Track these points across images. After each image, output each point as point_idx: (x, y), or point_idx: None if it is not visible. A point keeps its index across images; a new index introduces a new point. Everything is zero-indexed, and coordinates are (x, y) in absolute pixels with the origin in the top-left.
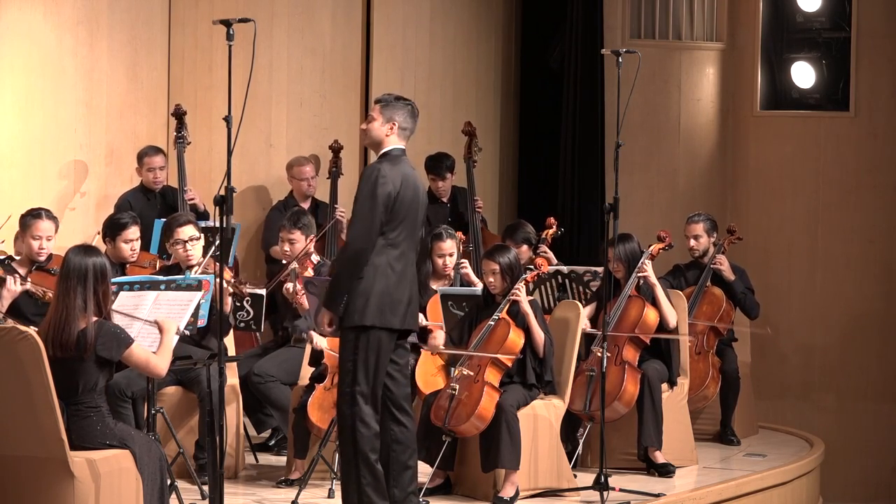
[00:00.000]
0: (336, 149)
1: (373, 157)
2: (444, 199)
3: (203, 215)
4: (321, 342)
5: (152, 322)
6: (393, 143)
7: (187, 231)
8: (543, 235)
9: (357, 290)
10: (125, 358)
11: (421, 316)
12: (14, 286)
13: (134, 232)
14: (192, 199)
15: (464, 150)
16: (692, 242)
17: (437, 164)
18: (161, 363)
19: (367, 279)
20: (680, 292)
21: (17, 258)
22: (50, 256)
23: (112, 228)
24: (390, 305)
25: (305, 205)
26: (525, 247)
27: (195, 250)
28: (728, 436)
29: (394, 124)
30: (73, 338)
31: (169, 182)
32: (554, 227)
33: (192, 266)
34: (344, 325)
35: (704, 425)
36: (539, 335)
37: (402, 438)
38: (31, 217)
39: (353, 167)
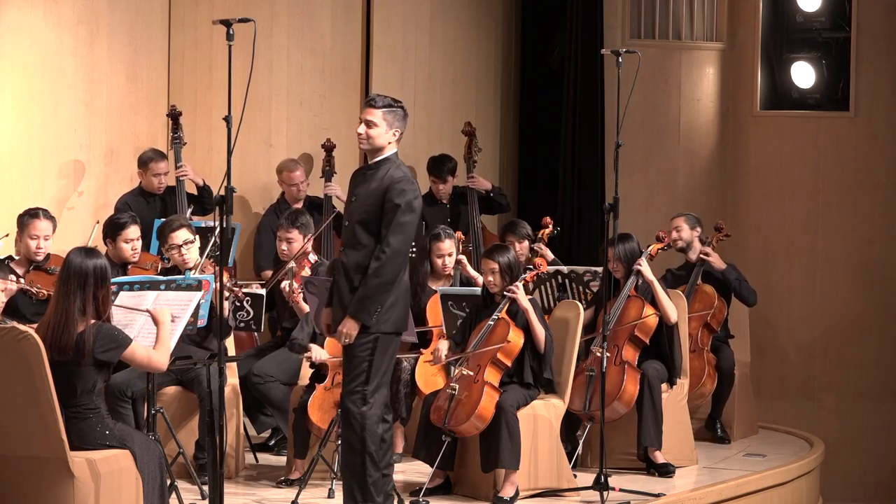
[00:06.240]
0: (329, 148)
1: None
2: (444, 201)
3: (204, 191)
4: (321, 354)
5: (146, 311)
6: (393, 149)
7: (181, 235)
8: (539, 235)
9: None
10: (125, 358)
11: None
12: (10, 286)
13: (134, 231)
14: (184, 175)
15: (464, 150)
16: (674, 234)
17: (439, 167)
18: (161, 358)
19: None
20: (679, 292)
21: (16, 258)
22: (48, 256)
23: (112, 228)
24: (404, 313)
25: (298, 206)
26: (527, 242)
27: (191, 254)
28: (717, 432)
29: (397, 131)
30: (71, 341)
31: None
32: (550, 226)
33: (189, 269)
34: (365, 326)
35: (702, 424)
36: (539, 331)
37: (388, 437)
38: (28, 217)
39: (349, 165)
